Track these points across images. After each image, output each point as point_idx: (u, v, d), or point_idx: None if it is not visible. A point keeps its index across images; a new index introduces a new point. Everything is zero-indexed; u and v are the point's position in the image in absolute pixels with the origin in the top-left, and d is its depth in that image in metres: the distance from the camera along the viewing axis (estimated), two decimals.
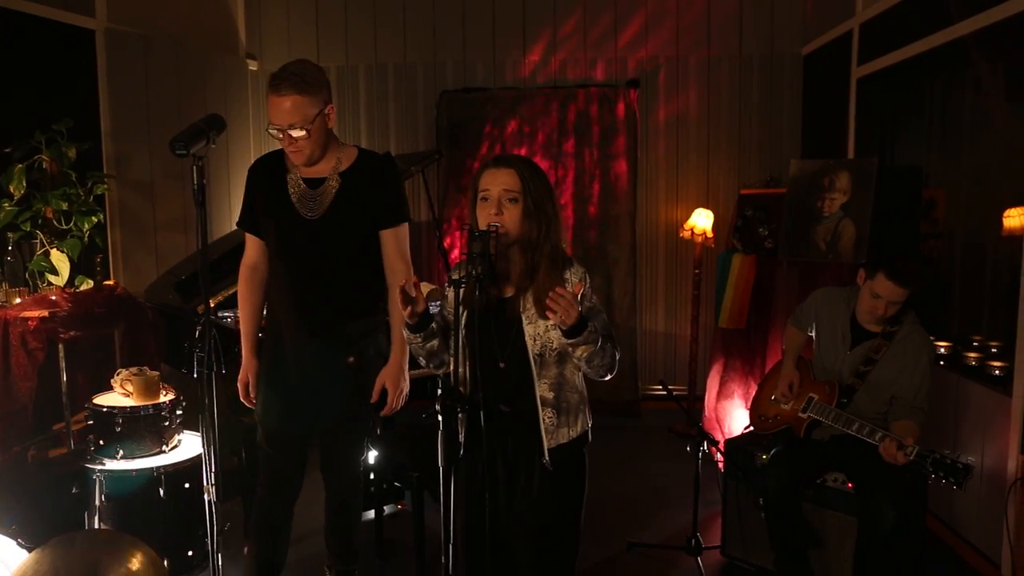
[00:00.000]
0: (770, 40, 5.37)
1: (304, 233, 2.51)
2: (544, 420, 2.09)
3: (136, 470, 2.80)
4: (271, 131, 2.42)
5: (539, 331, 2.08)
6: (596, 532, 3.57)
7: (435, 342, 2.16)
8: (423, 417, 2.09)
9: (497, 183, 2.05)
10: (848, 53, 4.55)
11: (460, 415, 2.05)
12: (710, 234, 5.02)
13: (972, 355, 3.52)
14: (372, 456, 3.59)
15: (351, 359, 2.58)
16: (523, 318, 2.09)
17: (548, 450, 2.09)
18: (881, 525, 2.61)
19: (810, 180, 3.97)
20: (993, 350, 3.61)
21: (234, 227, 4.85)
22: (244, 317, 2.69)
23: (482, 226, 2.05)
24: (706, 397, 4.44)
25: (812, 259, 3.89)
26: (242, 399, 2.71)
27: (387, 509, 3.67)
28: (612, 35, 5.43)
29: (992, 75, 3.84)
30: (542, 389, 2.09)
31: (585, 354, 2.00)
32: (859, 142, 4.53)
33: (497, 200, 2.04)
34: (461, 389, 2.05)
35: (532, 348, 2.08)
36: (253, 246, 2.68)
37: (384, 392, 2.62)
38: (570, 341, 1.97)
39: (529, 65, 5.47)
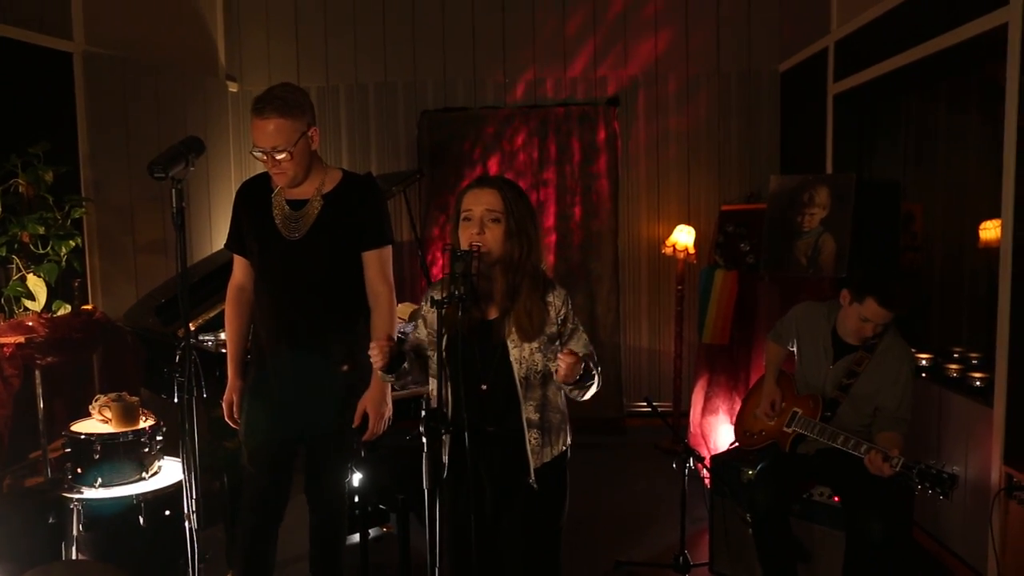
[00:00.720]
0: (748, 58, 5.43)
1: (285, 254, 2.51)
2: (530, 441, 2.12)
3: (115, 498, 2.75)
4: (255, 153, 2.43)
5: (524, 354, 2.09)
6: (583, 551, 3.54)
7: (408, 378, 2.23)
8: (407, 439, 2.08)
9: (480, 203, 2.07)
10: (824, 70, 4.61)
11: (444, 437, 2.05)
12: (692, 250, 5.04)
13: (953, 367, 3.54)
14: (356, 479, 3.55)
15: (345, 367, 2.56)
16: (508, 341, 2.09)
17: (534, 470, 2.11)
18: (868, 538, 2.61)
19: (790, 196, 4.01)
20: (973, 361, 3.64)
21: (214, 250, 4.84)
22: (230, 337, 2.68)
23: (464, 246, 2.06)
24: (691, 413, 4.44)
25: (793, 274, 3.92)
26: (226, 419, 2.69)
27: (372, 532, 3.63)
28: (591, 54, 5.47)
29: (965, 90, 3.91)
30: (528, 411, 2.11)
31: (579, 395, 2.08)
32: (836, 157, 4.58)
33: (479, 220, 2.06)
34: (445, 411, 2.05)
35: (518, 371, 2.10)
36: (240, 267, 2.68)
37: (365, 417, 2.60)
38: (567, 387, 2.05)
39: (509, 84, 5.50)
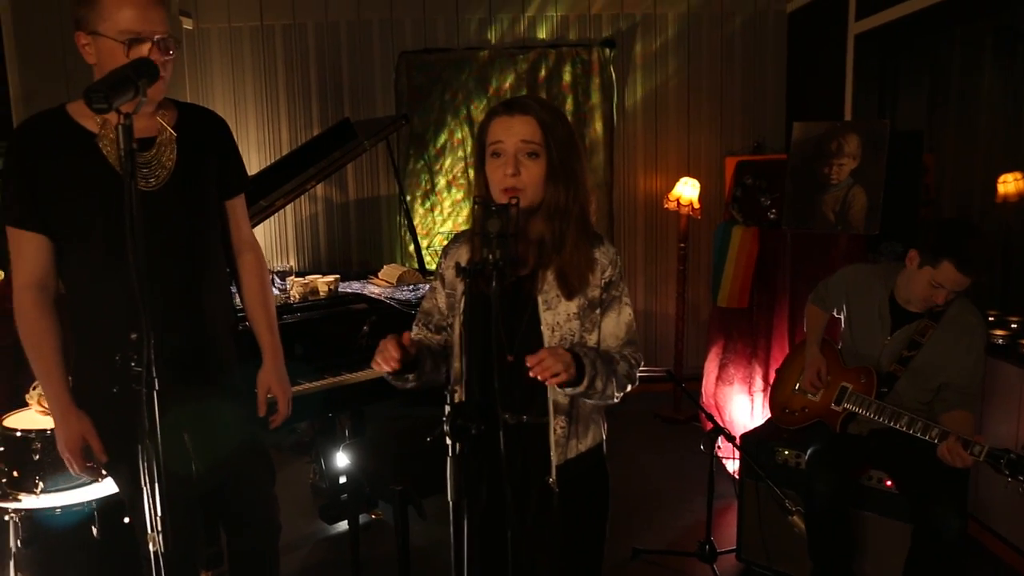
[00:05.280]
0: None
1: (145, 209, 1.69)
2: (555, 430, 1.71)
3: (61, 507, 2.26)
4: (134, 45, 1.73)
5: (559, 319, 1.68)
6: None
7: (429, 374, 1.76)
8: (427, 441, 1.66)
9: (512, 134, 1.63)
10: (844, 8, 4.22)
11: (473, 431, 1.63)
12: (697, 205, 4.66)
13: (999, 332, 3.24)
14: (343, 461, 3.17)
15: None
16: (540, 301, 1.69)
17: (555, 467, 1.71)
18: (945, 536, 2.28)
19: (815, 144, 3.64)
20: (1013, 325, 3.35)
21: None
22: (51, 357, 1.89)
23: (494, 189, 1.65)
24: (704, 382, 4.11)
25: (820, 230, 3.57)
26: (79, 470, 1.93)
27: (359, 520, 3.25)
28: None
29: (991, 35, 3.56)
30: (556, 392, 1.68)
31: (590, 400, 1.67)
32: (856, 104, 4.23)
33: (513, 155, 1.62)
34: (459, 391, 1.63)
35: (549, 340, 1.68)
36: (37, 253, 1.87)
37: (272, 403, 2.09)
38: (569, 391, 1.63)
39: (495, 24, 5.00)
